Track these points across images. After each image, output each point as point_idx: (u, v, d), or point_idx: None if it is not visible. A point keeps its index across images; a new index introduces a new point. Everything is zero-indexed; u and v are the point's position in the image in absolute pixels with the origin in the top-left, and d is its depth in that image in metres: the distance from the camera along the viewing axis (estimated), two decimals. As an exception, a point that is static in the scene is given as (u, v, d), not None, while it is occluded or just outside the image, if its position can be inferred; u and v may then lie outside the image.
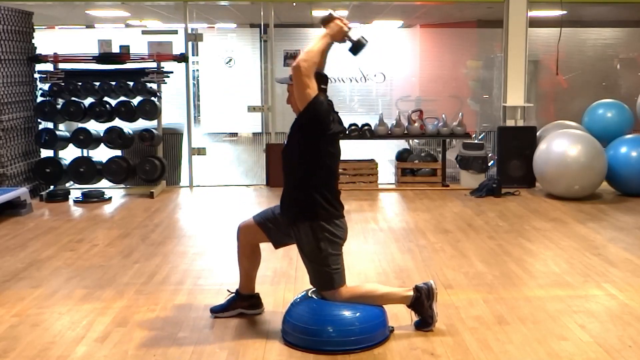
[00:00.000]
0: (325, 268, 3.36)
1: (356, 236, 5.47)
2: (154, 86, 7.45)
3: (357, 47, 3.49)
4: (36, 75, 7.57)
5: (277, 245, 3.64)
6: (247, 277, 3.72)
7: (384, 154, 8.99)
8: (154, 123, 7.57)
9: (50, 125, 7.54)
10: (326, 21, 3.44)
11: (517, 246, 5.22)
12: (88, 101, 7.45)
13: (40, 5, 8.78)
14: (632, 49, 10.52)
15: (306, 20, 11.61)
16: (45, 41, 8.04)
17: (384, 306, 3.47)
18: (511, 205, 6.81)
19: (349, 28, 3.45)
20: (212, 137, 10.84)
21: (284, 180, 3.49)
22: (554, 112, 10.28)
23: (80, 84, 7.36)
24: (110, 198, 7.21)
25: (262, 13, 8.44)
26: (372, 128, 8.00)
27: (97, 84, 7.36)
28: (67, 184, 7.58)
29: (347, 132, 7.66)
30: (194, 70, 10.55)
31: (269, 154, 7.99)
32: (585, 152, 6.81)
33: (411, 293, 3.47)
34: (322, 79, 3.41)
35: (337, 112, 3.46)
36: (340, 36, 3.43)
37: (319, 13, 10.34)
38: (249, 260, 3.68)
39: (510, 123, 8.04)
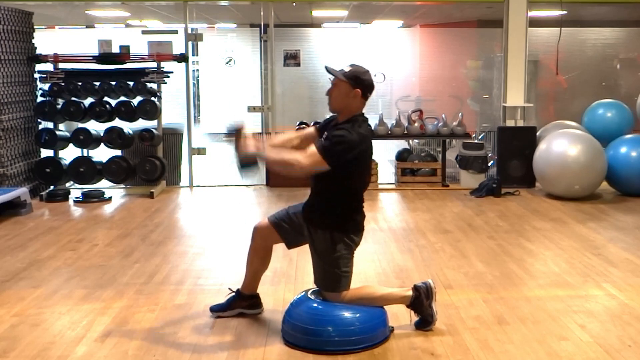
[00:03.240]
0: (335, 269, 3.35)
1: (356, 236, 5.47)
2: (154, 86, 7.45)
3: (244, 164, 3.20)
4: (36, 75, 7.56)
5: (291, 246, 3.62)
6: (254, 278, 3.71)
7: (384, 154, 8.99)
8: (154, 123, 7.57)
9: (50, 125, 7.54)
10: (237, 137, 3.19)
11: (517, 246, 5.22)
12: (88, 101, 7.45)
13: (40, 5, 8.78)
14: (632, 49, 10.53)
15: (306, 20, 11.62)
16: (45, 41, 8.04)
17: (383, 306, 3.47)
18: (511, 205, 6.81)
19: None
20: (212, 137, 10.84)
21: (311, 184, 3.45)
22: (554, 112, 10.28)
23: (80, 84, 7.36)
24: (110, 198, 7.21)
25: (262, 13, 8.44)
26: (372, 128, 7.99)
27: (97, 84, 7.36)
28: (67, 184, 7.58)
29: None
30: (194, 70, 10.54)
31: (269, 154, 7.97)
32: (585, 152, 6.81)
33: (410, 293, 3.47)
34: (368, 89, 3.34)
35: (367, 136, 3.37)
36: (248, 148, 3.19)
37: (318, 13, 10.36)
38: (261, 261, 3.67)
39: (510, 123, 8.04)
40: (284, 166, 3.23)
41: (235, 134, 3.23)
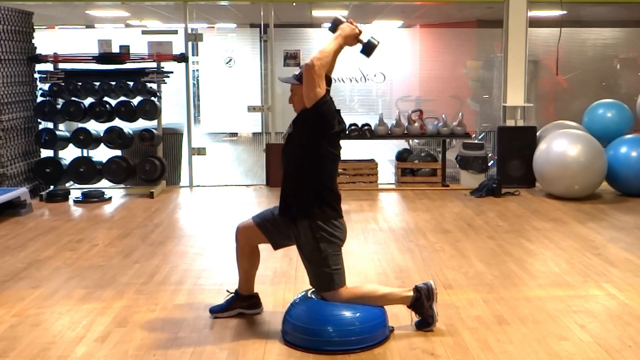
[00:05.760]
0: (324, 269, 3.36)
1: (356, 236, 5.47)
2: (154, 86, 7.45)
3: (369, 49, 3.49)
4: (36, 75, 7.57)
5: (277, 246, 3.64)
6: (247, 278, 3.72)
7: (384, 154, 8.99)
8: (154, 123, 7.57)
9: (50, 125, 7.54)
10: (337, 24, 3.43)
11: (517, 246, 5.22)
12: (88, 101, 7.45)
13: (40, 5, 8.78)
14: (632, 49, 10.52)
15: (306, 20, 11.62)
16: (45, 41, 8.04)
17: (384, 306, 3.47)
18: (511, 205, 6.81)
19: (360, 31, 3.44)
20: (212, 137, 10.84)
21: (283, 177, 3.49)
22: (554, 112, 10.28)
23: (80, 84, 7.36)
24: (110, 198, 7.21)
25: (262, 13, 8.44)
26: (372, 128, 8.00)
27: (97, 84, 7.36)
28: (67, 184, 7.59)
29: (347, 131, 7.65)
30: (194, 70, 10.54)
31: (269, 154, 7.99)
32: (585, 152, 6.81)
33: (411, 293, 3.47)
34: (327, 81, 3.41)
35: (339, 110, 3.46)
36: (353, 39, 3.44)
37: (318, 13, 10.36)
38: (248, 261, 3.68)
39: (510, 123, 8.04)
40: (319, 51, 3.30)
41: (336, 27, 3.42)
